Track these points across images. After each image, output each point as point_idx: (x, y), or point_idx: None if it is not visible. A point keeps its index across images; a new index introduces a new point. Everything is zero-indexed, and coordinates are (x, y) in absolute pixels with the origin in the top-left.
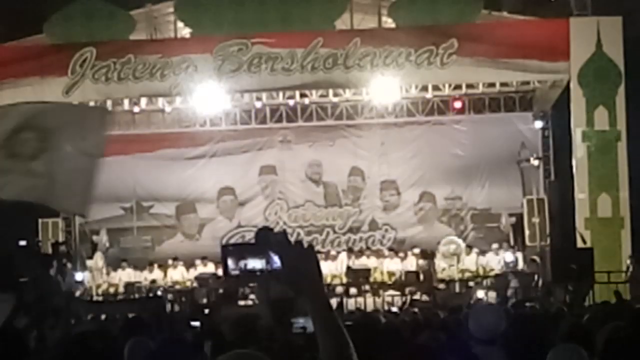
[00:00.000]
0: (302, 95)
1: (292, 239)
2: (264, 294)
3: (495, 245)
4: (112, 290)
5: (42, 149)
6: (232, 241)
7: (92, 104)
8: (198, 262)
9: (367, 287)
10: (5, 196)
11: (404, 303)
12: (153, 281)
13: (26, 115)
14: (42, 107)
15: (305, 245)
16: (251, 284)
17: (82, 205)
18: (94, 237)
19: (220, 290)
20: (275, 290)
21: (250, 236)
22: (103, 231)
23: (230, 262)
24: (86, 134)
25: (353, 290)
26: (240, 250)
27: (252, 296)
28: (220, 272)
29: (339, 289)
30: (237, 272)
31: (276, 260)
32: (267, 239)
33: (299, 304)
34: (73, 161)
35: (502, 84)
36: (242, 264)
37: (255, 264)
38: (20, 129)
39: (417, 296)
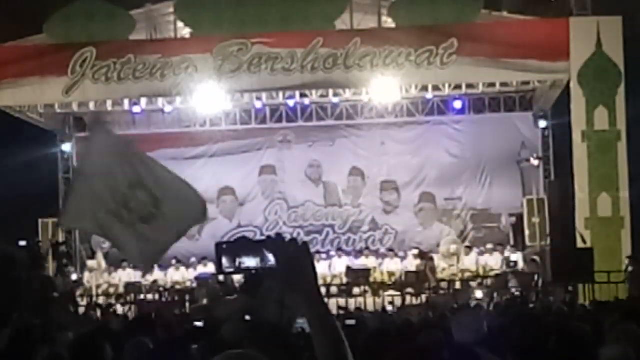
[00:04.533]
0: (302, 95)
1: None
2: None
3: (495, 245)
4: (112, 290)
5: (151, 215)
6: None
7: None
8: (198, 262)
9: (367, 287)
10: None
11: (403, 303)
12: (154, 282)
13: (144, 172)
14: (159, 170)
15: (300, 242)
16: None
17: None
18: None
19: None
20: (270, 288)
21: (250, 236)
22: None
23: (224, 260)
24: (184, 217)
25: (353, 291)
26: (234, 248)
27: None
28: None
29: (336, 289)
30: (231, 270)
31: (271, 258)
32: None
33: (293, 302)
34: (166, 234)
35: (502, 84)
36: (236, 261)
37: (249, 261)
38: (136, 185)
39: (417, 296)
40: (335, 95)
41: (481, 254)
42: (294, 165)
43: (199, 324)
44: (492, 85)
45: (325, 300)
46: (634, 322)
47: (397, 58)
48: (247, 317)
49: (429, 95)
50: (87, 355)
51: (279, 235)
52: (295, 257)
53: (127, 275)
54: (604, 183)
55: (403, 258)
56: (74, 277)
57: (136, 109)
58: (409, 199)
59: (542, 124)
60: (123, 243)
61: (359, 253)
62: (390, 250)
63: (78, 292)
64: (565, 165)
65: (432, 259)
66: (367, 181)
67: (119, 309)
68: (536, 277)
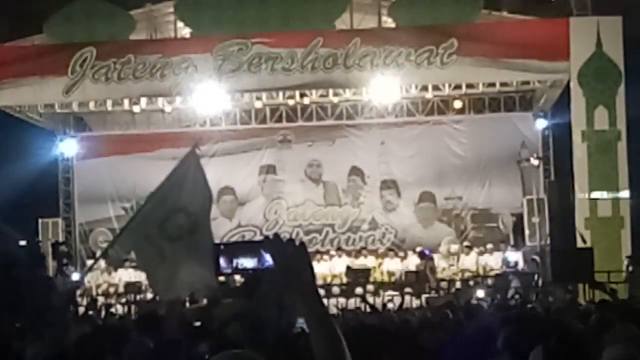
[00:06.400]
0: (302, 95)
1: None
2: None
3: (495, 245)
4: (112, 290)
5: (179, 238)
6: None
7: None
8: None
9: (367, 287)
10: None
11: (403, 302)
12: None
13: (183, 201)
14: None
15: (297, 243)
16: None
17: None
18: (93, 237)
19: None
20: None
21: (250, 236)
22: (99, 231)
23: (222, 261)
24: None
25: (353, 290)
26: (232, 248)
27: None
28: None
29: (336, 289)
30: (229, 271)
31: (268, 259)
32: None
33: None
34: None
35: (502, 84)
36: (234, 262)
37: (247, 262)
38: (180, 209)
39: (417, 296)
40: (335, 95)
41: (481, 253)
42: (294, 164)
43: (197, 323)
44: (492, 85)
45: (325, 300)
46: (635, 322)
47: (397, 58)
48: (247, 318)
49: (429, 95)
50: (88, 355)
51: (276, 235)
52: (292, 257)
53: (127, 275)
54: (604, 183)
55: (403, 258)
56: (75, 276)
57: (136, 109)
58: (409, 199)
59: (542, 123)
60: (147, 263)
61: (358, 252)
62: (390, 249)
63: (78, 292)
64: (565, 165)
65: (432, 258)
66: (367, 180)
67: (119, 309)
68: (536, 277)
